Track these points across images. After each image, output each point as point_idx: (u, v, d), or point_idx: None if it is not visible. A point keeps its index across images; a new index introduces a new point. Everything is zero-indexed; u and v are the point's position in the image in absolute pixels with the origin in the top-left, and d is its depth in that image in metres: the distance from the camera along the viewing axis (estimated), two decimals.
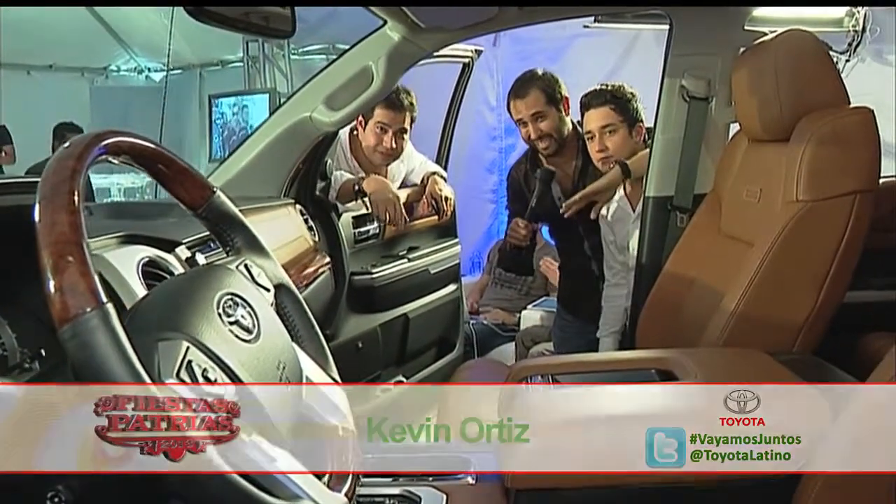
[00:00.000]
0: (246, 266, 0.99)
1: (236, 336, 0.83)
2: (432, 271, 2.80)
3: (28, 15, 4.60)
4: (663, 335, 1.95)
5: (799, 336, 1.63)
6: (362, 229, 2.57)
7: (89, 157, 0.76)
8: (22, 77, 5.37)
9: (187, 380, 0.72)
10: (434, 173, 2.77)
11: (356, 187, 2.51)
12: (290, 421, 0.87)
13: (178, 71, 5.49)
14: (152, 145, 0.91)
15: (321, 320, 2.25)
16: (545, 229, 2.84)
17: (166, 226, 1.36)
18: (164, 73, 5.26)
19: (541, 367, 1.50)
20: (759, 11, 2.03)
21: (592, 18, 3.37)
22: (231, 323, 0.84)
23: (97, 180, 4.66)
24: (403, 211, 2.59)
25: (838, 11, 2.52)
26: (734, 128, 2.06)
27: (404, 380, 2.75)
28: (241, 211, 1.72)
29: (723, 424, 1.18)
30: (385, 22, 1.99)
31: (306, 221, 2.17)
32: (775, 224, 1.62)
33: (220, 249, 1.09)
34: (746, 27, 2.02)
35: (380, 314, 2.60)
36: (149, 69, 5.62)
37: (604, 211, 2.43)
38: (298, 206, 2.17)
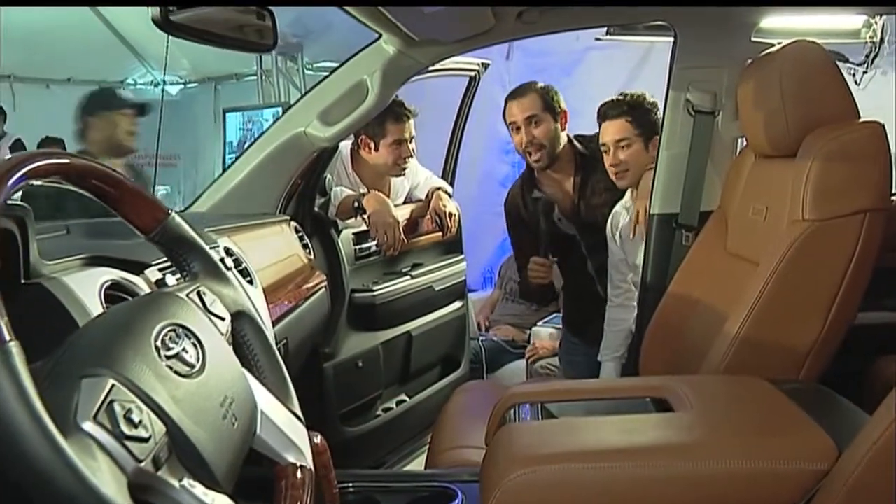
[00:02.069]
0: (199, 293, 0.93)
1: (174, 371, 0.78)
2: (437, 288, 2.74)
3: (46, 28, 4.63)
4: (667, 360, 1.88)
5: (805, 362, 1.54)
6: (363, 246, 2.52)
7: (8, 182, 0.71)
8: (41, 90, 5.42)
9: (105, 422, 0.66)
10: (438, 188, 2.72)
11: (356, 204, 2.46)
12: (233, 461, 0.81)
13: (194, 84, 5.51)
14: (96, 165, 0.87)
15: (318, 339, 2.22)
16: None
17: (136, 247, 1.31)
18: (181, 87, 5.27)
19: (531, 395, 1.44)
20: (767, 23, 1.95)
21: (605, 31, 3.31)
22: (170, 357, 0.79)
23: None
24: (402, 235, 2.52)
25: (855, 22, 2.42)
26: (742, 142, 1.99)
27: (407, 399, 2.70)
28: (230, 229, 1.72)
29: (718, 461, 1.11)
30: (380, 35, 1.95)
31: (301, 238, 2.13)
32: (780, 245, 1.54)
33: None
34: (754, 39, 1.95)
35: (381, 332, 2.56)
36: (165, 82, 5.64)
37: (615, 229, 2.36)
38: (293, 223, 2.13)
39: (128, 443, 0.66)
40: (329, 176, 2.33)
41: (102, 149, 2.86)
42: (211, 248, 1.46)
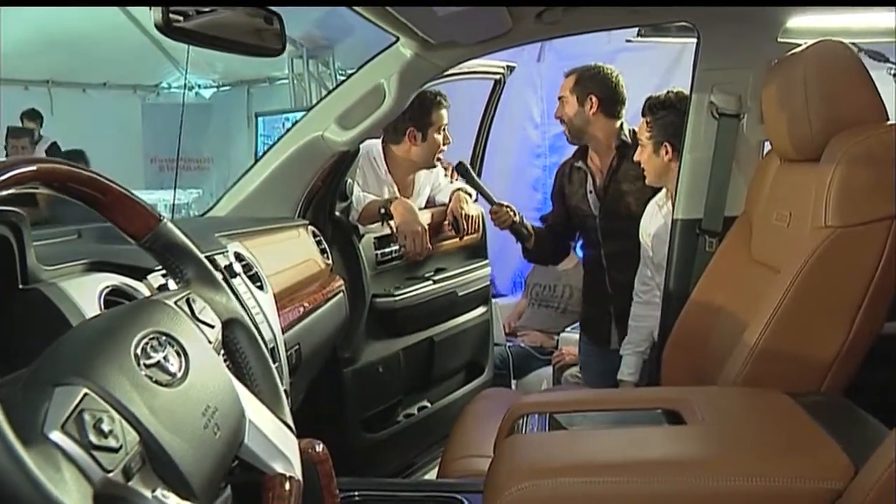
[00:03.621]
0: (188, 300, 0.93)
1: (154, 380, 0.78)
2: (460, 293, 2.72)
3: (83, 33, 4.72)
4: (689, 370, 1.83)
5: (828, 374, 1.49)
6: (385, 250, 2.51)
7: None
8: (77, 94, 5.54)
9: (73, 432, 0.66)
10: (459, 189, 2.70)
11: (382, 210, 2.46)
12: (213, 472, 0.80)
13: (227, 87, 5.57)
14: (81, 171, 0.87)
15: (337, 344, 2.22)
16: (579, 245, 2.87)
17: (140, 252, 1.32)
18: (214, 90, 5.33)
19: (541, 405, 1.41)
20: (795, 23, 1.90)
21: (636, 32, 3.27)
22: (149, 365, 0.79)
23: (143, 195, 4.73)
24: (428, 242, 2.53)
25: (892, 20, 2.35)
26: (769, 146, 1.94)
27: (429, 405, 2.69)
28: (242, 234, 1.73)
29: (723, 478, 1.08)
30: (397, 38, 1.94)
31: (319, 243, 2.13)
32: (802, 252, 1.49)
33: None
34: (780, 39, 1.90)
35: (403, 338, 2.55)
36: (199, 86, 5.72)
37: (647, 226, 2.33)
38: (311, 228, 2.13)
39: (96, 453, 0.66)
40: (350, 180, 2.33)
41: None
42: (219, 253, 1.49)
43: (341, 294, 2.13)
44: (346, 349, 2.34)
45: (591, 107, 2.49)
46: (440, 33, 1.83)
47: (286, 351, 1.60)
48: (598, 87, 2.51)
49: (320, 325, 1.92)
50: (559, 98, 2.58)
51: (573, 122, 2.53)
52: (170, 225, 0.98)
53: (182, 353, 0.83)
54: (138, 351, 0.79)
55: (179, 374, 0.81)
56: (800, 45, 1.77)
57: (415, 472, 2.58)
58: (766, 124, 1.79)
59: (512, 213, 2.64)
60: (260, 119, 4.95)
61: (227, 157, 5.53)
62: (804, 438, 1.18)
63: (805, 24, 1.91)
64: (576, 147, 2.64)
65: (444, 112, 2.56)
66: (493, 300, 3.12)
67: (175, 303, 0.91)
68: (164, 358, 0.81)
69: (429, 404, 2.69)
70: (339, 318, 2.10)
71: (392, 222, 2.47)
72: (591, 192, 2.55)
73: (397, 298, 2.49)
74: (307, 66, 5.02)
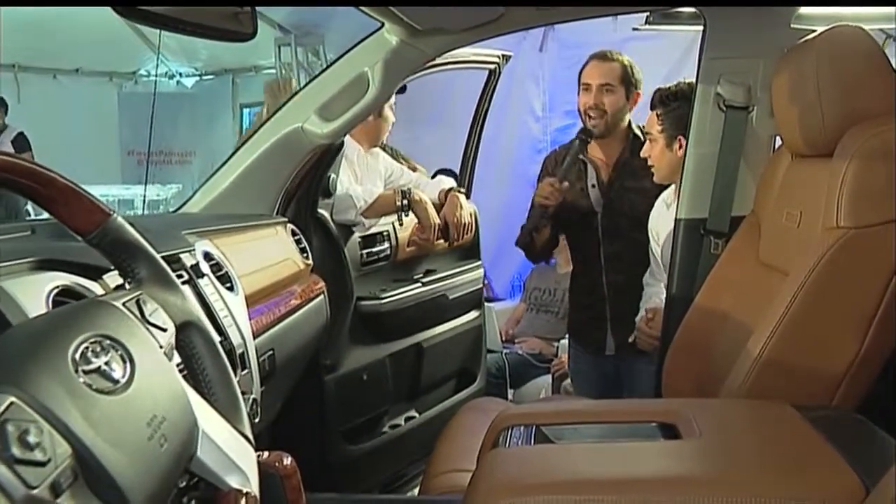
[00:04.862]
0: (139, 302, 0.91)
1: (93, 387, 0.75)
2: (450, 297, 2.71)
3: (53, 14, 4.62)
4: (692, 382, 1.81)
5: (840, 386, 1.47)
6: (371, 250, 2.50)
7: None
8: (48, 81, 5.43)
9: None
10: (451, 190, 2.67)
11: (404, 201, 2.45)
12: (158, 486, 0.78)
13: (211, 77, 5.54)
14: (21, 162, 0.85)
15: (317, 350, 2.20)
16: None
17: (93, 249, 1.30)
18: (197, 79, 5.31)
19: (527, 417, 1.39)
20: (810, 8, 1.88)
21: (644, 20, 3.25)
22: (89, 371, 0.76)
23: (119, 191, 4.72)
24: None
25: None
26: (780, 141, 1.92)
27: (417, 415, 2.67)
28: (212, 232, 1.70)
29: (720, 496, 1.05)
30: (382, 24, 1.92)
31: (299, 242, 2.11)
32: (812, 254, 1.47)
33: None
34: (793, 25, 1.87)
35: (389, 343, 2.54)
36: (180, 74, 5.67)
37: (656, 226, 2.31)
38: (290, 226, 2.11)
39: (19, 467, 0.64)
40: (333, 176, 2.31)
41: None
42: (185, 251, 1.47)
43: (322, 296, 2.11)
44: (328, 355, 2.32)
45: (633, 101, 2.48)
46: (427, 19, 1.81)
47: (258, 357, 1.58)
48: (637, 81, 2.49)
49: (298, 329, 1.90)
50: (602, 86, 2.43)
51: (615, 115, 2.45)
52: (120, 220, 0.95)
53: (127, 358, 0.81)
54: (77, 356, 0.76)
55: (123, 381, 0.79)
56: (815, 31, 1.75)
57: (401, 487, 2.56)
58: (776, 117, 1.77)
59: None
60: (245, 110, 4.94)
61: (211, 150, 5.49)
62: (810, 455, 1.16)
63: (821, 9, 1.88)
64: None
65: None
66: (490, 305, 3.11)
67: (123, 304, 0.89)
68: (107, 363, 0.78)
69: (417, 414, 2.67)
70: (319, 322, 2.08)
71: (414, 210, 2.48)
72: (593, 186, 2.50)
73: (383, 301, 2.47)
74: (295, 55, 4.99)
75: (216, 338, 1.02)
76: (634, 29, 3.71)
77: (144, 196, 3.10)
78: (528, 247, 2.63)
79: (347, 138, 2.48)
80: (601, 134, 2.46)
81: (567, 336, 2.85)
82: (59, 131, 4.80)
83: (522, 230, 2.57)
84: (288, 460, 1.15)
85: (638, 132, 2.48)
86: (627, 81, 2.45)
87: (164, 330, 0.92)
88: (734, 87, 1.91)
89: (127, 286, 1.05)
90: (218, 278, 1.53)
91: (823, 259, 1.45)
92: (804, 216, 1.63)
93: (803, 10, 1.87)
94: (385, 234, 2.53)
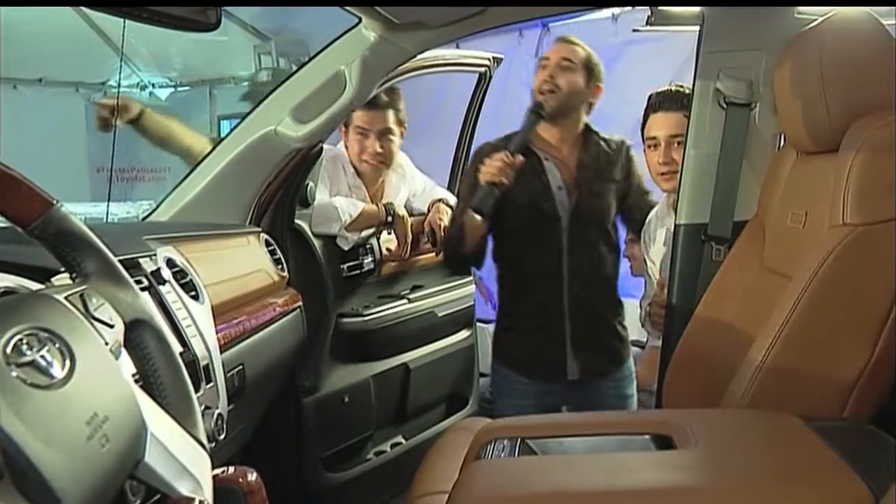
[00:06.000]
0: (83, 296, 0.90)
1: (27, 382, 0.74)
2: (440, 314, 2.71)
3: (14, 20, 4.56)
4: (694, 395, 1.80)
5: (850, 396, 1.45)
6: (353, 263, 2.49)
7: None
8: (7, 91, 5.31)
9: None
10: (440, 200, 2.67)
11: (389, 219, 2.51)
12: (96, 489, 0.77)
13: (186, 88, 5.54)
14: None
15: (292, 367, 2.19)
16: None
17: (44, 252, 1.29)
18: (172, 90, 5.31)
19: (512, 429, 1.38)
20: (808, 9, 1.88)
21: (645, 21, 3.27)
22: (21, 365, 0.75)
23: (87, 208, 4.69)
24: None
25: None
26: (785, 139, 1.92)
27: (403, 441, 2.65)
28: (177, 238, 1.70)
29: None
30: (360, 20, 1.93)
31: (273, 253, 2.10)
32: (816, 255, 1.47)
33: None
34: (798, 14, 1.87)
35: (373, 363, 2.54)
36: (153, 85, 5.67)
37: (650, 243, 2.31)
38: (264, 236, 2.11)
39: None
40: (311, 184, 2.31)
41: None
42: (144, 256, 1.46)
43: (298, 311, 2.10)
44: (307, 375, 2.31)
45: (593, 93, 2.42)
46: (405, 12, 1.81)
47: (225, 371, 1.57)
48: (598, 71, 2.43)
49: (270, 344, 1.89)
50: (561, 61, 2.34)
51: (571, 95, 2.35)
52: (64, 210, 0.95)
53: (67, 353, 0.80)
54: (9, 349, 0.76)
55: (61, 377, 0.78)
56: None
57: None
58: (779, 111, 1.77)
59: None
60: (224, 122, 4.93)
61: (187, 165, 5.48)
62: (814, 465, 1.14)
63: (821, 9, 1.88)
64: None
65: (373, 112, 2.48)
66: (483, 326, 3.08)
67: (66, 297, 0.88)
68: (42, 357, 0.77)
69: (404, 440, 2.65)
70: (295, 339, 2.07)
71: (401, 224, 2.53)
72: (560, 188, 2.37)
73: (367, 319, 2.47)
74: (277, 64, 5.02)
75: (172, 339, 1.02)
76: (635, 31, 3.74)
77: (107, 211, 3.08)
78: (455, 247, 2.43)
79: (342, 152, 2.52)
80: (553, 112, 2.33)
81: (492, 363, 2.54)
82: (21, 145, 4.75)
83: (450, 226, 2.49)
84: (253, 476, 1.13)
85: (599, 138, 2.44)
86: (589, 68, 2.39)
87: (111, 326, 0.92)
88: (735, 83, 1.92)
89: (72, 281, 1.05)
90: (182, 286, 1.53)
91: (829, 259, 1.44)
92: (810, 216, 1.63)
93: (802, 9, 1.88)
94: (368, 246, 2.52)
